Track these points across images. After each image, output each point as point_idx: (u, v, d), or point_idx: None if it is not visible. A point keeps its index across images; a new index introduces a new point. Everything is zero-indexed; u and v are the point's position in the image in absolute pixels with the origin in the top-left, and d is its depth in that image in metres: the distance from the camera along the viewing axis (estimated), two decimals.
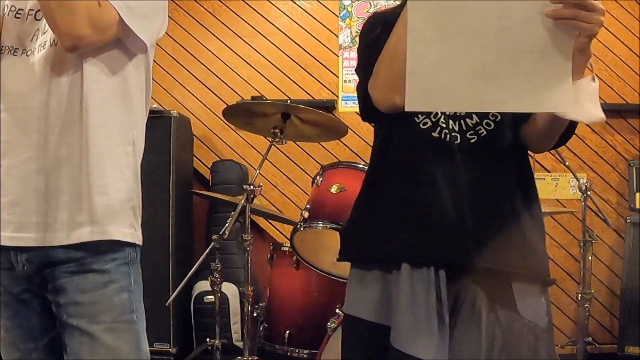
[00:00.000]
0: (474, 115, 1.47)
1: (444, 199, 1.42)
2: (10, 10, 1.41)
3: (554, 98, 1.20)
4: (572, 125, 1.44)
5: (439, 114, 1.46)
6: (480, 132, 1.46)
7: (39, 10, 1.39)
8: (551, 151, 3.60)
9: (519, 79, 1.19)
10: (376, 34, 1.48)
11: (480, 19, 1.18)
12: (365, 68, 1.46)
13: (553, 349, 1.47)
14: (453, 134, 1.46)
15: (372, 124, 1.63)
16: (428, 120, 1.46)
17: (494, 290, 1.41)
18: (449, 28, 1.18)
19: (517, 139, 1.51)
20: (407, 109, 1.22)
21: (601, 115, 1.26)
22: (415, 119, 1.47)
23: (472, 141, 1.46)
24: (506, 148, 1.48)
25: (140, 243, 1.45)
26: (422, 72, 1.20)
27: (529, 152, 1.57)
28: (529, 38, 1.18)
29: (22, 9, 1.41)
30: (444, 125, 1.46)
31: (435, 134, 1.46)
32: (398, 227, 1.46)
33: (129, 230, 1.41)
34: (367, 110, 1.48)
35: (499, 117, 1.47)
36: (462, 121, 1.46)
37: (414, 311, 1.40)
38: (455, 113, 1.46)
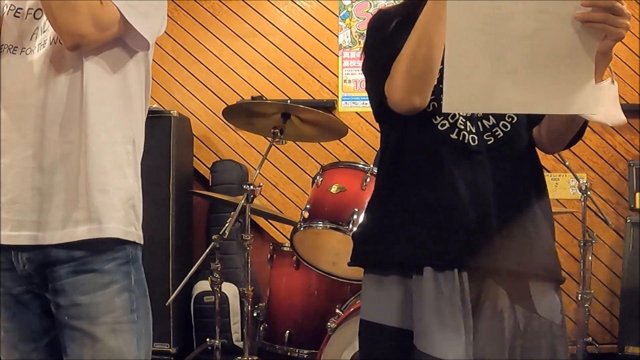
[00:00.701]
0: (490, 117, 1.47)
1: (464, 201, 1.42)
2: (9, 9, 1.41)
3: (579, 100, 1.21)
4: (583, 126, 1.45)
5: (457, 115, 1.46)
6: (497, 133, 1.47)
7: (38, 9, 1.39)
8: None
9: (546, 80, 1.21)
10: (388, 32, 1.47)
11: (517, 19, 1.18)
12: (380, 68, 1.44)
13: (567, 345, 1.48)
14: (471, 135, 1.45)
15: (381, 125, 1.61)
16: (446, 121, 1.46)
17: (513, 290, 1.42)
18: (487, 29, 1.19)
19: (531, 138, 1.52)
20: (444, 110, 1.22)
21: (622, 117, 1.29)
22: (433, 120, 1.46)
23: (489, 143, 1.46)
24: (522, 149, 1.49)
25: (141, 242, 1.45)
26: (460, 73, 1.20)
27: (548, 154, 1.59)
28: (558, 40, 1.19)
29: (22, 8, 1.41)
30: (462, 127, 1.45)
31: (453, 136, 1.45)
32: (419, 230, 1.44)
33: (129, 229, 1.41)
34: (382, 111, 1.47)
35: (515, 118, 1.48)
36: (479, 123, 1.46)
37: (439, 313, 1.38)
38: (472, 114, 1.46)
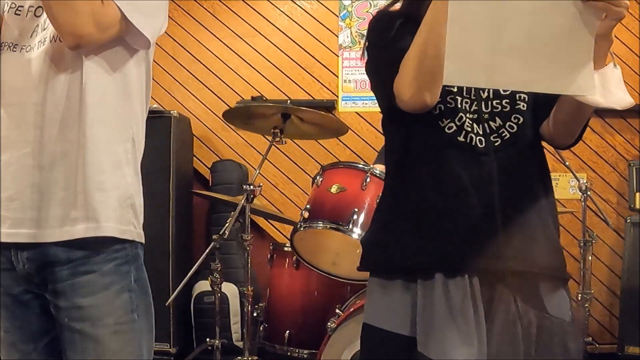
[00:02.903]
0: (497, 118, 1.46)
1: (473, 205, 1.41)
2: (10, 7, 1.42)
3: (578, 81, 1.20)
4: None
5: (464, 118, 1.45)
6: (503, 134, 1.46)
7: (39, 6, 1.39)
8: (551, 151, 3.61)
9: (546, 59, 1.20)
10: (392, 32, 1.46)
11: None
12: (387, 68, 1.42)
13: (578, 339, 1.49)
14: (478, 137, 1.44)
15: (386, 129, 1.59)
16: (453, 124, 1.45)
17: (523, 291, 1.41)
18: (488, 3, 1.18)
19: (537, 137, 1.51)
20: (445, 82, 1.21)
21: (630, 99, 1.28)
22: (440, 123, 1.45)
23: (496, 144, 1.45)
24: (528, 149, 1.48)
25: (142, 241, 1.45)
26: (461, 46, 1.19)
27: (560, 150, 1.57)
28: (558, 19, 1.18)
29: (22, 6, 1.41)
30: (469, 129, 1.44)
31: (461, 138, 1.44)
32: (428, 235, 1.43)
33: (127, 227, 1.40)
34: (392, 110, 1.45)
35: (521, 119, 1.47)
36: (485, 124, 1.45)
37: (451, 322, 1.37)
38: (478, 116, 1.46)
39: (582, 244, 3.06)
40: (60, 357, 1.40)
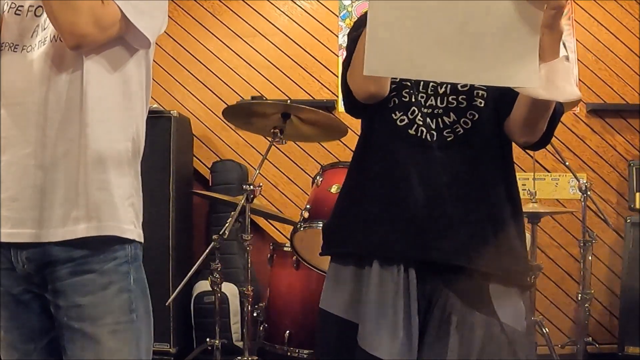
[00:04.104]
0: (451, 114, 1.46)
1: (417, 196, 1.42)
2: (10, 7, 1.42)
3: (520, 73, 1.17)
4: (556, 114, 1.41)
5: (417, 112, 1.46)
6: (457, 130, 1.46)
7: (39, 6, 1.40)
8: (551, 151, 3.61)
9: (484, 52, 1.17)
10: (361, 31, 1.48)
11: None
12: (347, 62, 1.49)
13: (533, 353, 1.46)
14: (430, 131, 1.46)
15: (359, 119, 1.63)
16: (405, 117, 1.47)
17: (469, 293, 1.40)
18: None
19: (501, 135, 1.49)
20: (365, 73, 1.19)
21: (576, 92, 1.24)
22: (393, 115, 1.48)
23: (448, 139, 1.45)
24: (485, 147, 1.47)
25: (142, 240, 1.45)
26: (382, 36, 1.16)
27: (529, 150, 1.55)
28: (496, 11, 1.16)
29: (22, 6, 1.41)
30: (421, 123, 1.46)
31: (411, 131, 1.46)
32: (372, 222, 1.47)
33: (128, 227, 1.40)
34: (349, 102, 1.50)
35: (477, 115, 1.46)
36: (439, 119, 1.46)
37: (380, 312, 1.41)
38: (432, 111, 1.46)
39: (582, 244, 3.05)
40: (60, 357, 1.40)
